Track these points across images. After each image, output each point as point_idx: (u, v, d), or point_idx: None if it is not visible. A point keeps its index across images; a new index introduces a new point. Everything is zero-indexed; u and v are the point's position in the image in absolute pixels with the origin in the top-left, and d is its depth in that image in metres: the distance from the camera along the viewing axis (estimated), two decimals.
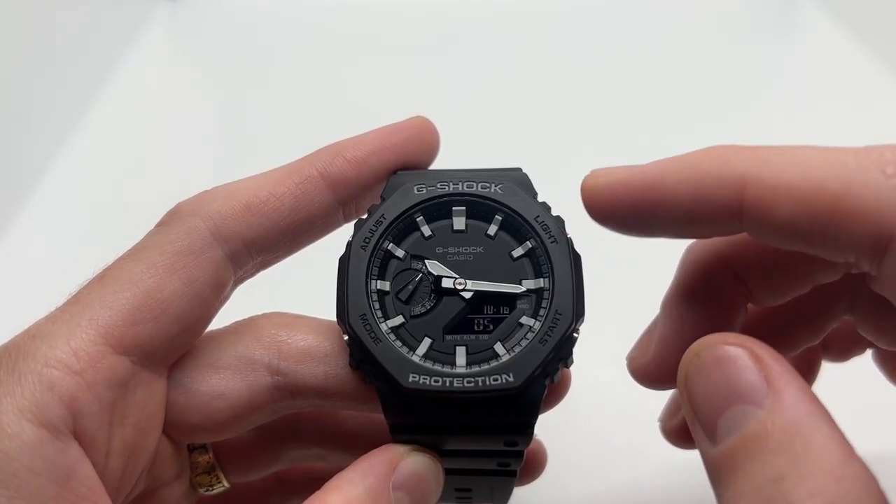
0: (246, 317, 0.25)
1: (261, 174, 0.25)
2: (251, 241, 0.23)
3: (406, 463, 0.22)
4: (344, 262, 0.23)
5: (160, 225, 0.23)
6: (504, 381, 0.21)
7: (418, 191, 0.23)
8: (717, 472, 0.16)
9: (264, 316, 0.25)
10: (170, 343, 0.22)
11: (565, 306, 0.22)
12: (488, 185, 0.23)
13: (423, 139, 0.25)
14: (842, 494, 0.14)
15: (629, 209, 0.21)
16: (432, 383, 0.21)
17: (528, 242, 0.23)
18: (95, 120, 0.60)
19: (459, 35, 0.71)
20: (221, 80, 0.67)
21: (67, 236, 0.50)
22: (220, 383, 0.23)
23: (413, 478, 0.22)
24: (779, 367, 0.17)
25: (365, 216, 0.24)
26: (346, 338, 0.22)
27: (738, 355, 0.17)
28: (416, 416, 0.22)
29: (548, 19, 0.73)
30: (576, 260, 0.23)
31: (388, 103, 0.61)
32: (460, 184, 0.23)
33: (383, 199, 0.24)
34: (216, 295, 0.23)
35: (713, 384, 0.17)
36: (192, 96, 0.65)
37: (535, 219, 0.23)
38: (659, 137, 0.54)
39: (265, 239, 0.23)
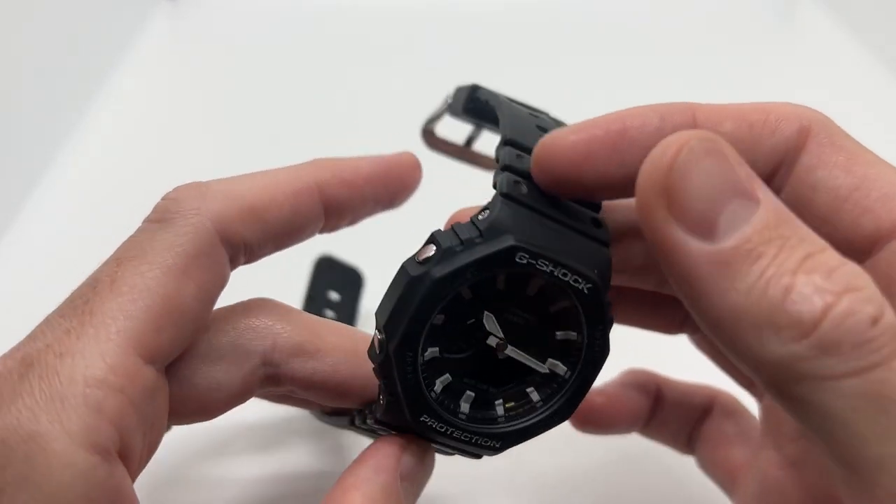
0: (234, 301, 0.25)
1: (260, 174, 0.25)
2: (249, 243, 0.23)
3: (408, 457, 0.23)
4: (417, 286, 0.21)
5: (162, 221, 0.22)
6: (492, 448, 0.23)
7: (519, 259, 0.21)
8: (728, 263, 0.16)
9: (258, 303, 0.24)
10: (183, 345, 0.22)
11: (569, 407, 0.22)
12: (580, 281, 0.21)
13: (410, 177, 0.27)
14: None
15: (600, 164, 0.21)
16: (437, 427, 0.22)
17: (576, 336, 0.22)
18: (96, 119, 0.60)
19: (462, 34, 0.71)
20: (222, 80, 0.67)
21: (68, 235, 0.50)
22: (217, 376, 0.23)
23: (415, 468, 0.23)
24: (748, 167, 0.18)
25: (457, 246, 0.21)
26: (379, 337, 0.21)
27: (728, 150, 0.17)
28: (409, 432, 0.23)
29: (545, 17, 0.73)
30: (602, 361, 0.22)
31: (390, 103, 0.61)
32: (557, 269, 0.21)
33: (481, 236, 0.21)
34: (219, 294, 0.23)
35: (713, 176, 0.17)
36: (192, 95, 0.65)
37: (598, 328, 0.22)
38: None
39: (261, 242, 0.24)
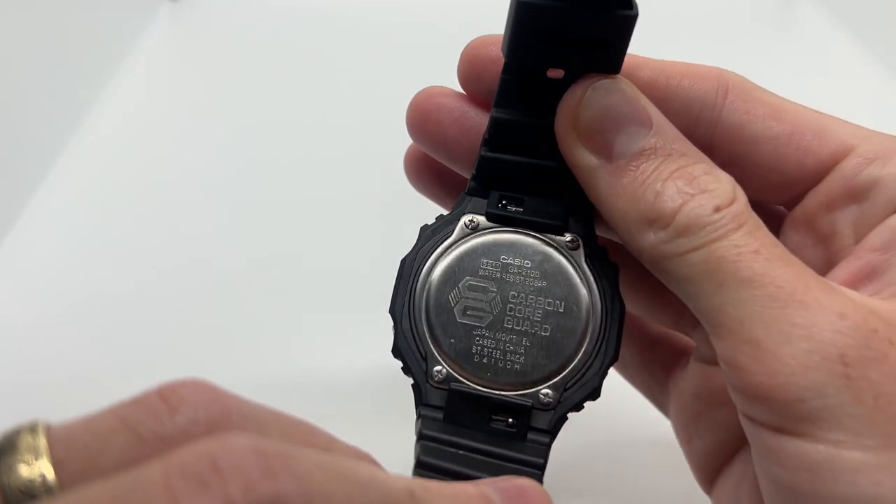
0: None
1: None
2: None
3: None
4: None
5: None
6: None
7: None
8: (619, 174, 0.21)
9: None
10: None
11: None
12: None
13: None
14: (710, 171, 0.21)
15: None
16: None
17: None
18: (97, 120, 0.61)
19: (466, 32, 0.71)
20: (224, 80, 0.67)
21: (70, 235, 0.50)
22: None
23: None
24: (646, 100, 0.21)
25: None
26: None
27: (626, 87, 0.21)
28: None
29: None
30: None
31: (394, 102, 0.61)
32: None
33: None
34: None
35: (612, 106, 0.21)
36: (194, 95, 0.65)
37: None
38: None
39: None
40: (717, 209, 0.20)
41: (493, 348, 0.22)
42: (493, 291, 0.22)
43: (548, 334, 0.22)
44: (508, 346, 0.22)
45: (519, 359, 0.22)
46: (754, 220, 0.20)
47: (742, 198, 0.20)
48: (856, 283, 0.21)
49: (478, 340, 0.22)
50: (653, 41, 0.72)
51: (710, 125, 0.23)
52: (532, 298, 0.22)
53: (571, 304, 0.22)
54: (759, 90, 0.24)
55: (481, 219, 0.23)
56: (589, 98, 0.21)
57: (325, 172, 0.55)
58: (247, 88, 0.65)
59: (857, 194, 0.22)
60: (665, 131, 0.21)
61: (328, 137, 0.58)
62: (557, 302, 0.22)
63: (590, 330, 0.22)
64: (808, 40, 0.69)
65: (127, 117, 0.62)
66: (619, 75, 0.21)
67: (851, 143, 0.22)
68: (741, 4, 0.74)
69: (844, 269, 0.21)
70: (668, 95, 0.23)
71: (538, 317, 0.22)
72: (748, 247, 0.19)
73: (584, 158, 0.21)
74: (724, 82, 0.24)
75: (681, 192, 0.20)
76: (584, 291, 0.22)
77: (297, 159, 0.56)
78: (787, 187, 0.24)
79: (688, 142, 0.21)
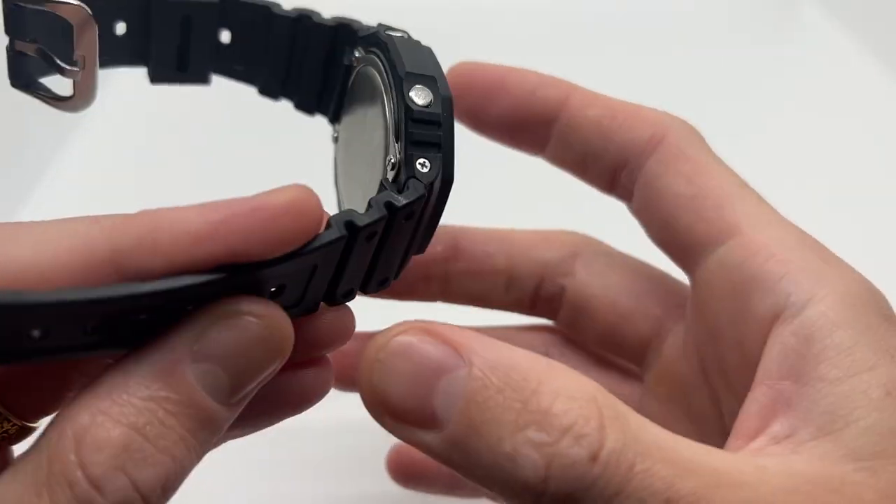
0: None
1: (39, 229, 0.16)
2: None
3: (217, 330, 0.15)
4: None
5: None
6: None
7: None
8: (461, 445, 0.16)
9: None
10: None
11: None
12: None
13: (289, 227, 0.15)
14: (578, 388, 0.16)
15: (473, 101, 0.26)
16: None
17: None
18: (96, 120, 0.61)
19: (471, 33, 0.71)
20: (223, 81, 0.67)
21: None
22: None
23: (227, 345, 0.15)
24: (451, 330, 0.17)
25: None
26: None
27: (413, 340, 0.16)
28: None
29: (544, 20, 0.73)
30: None
31: None
32: None
33: None
34: None
35: (409, 374, 0.16)
36: (194, 95, 0.65)
37: None
38: None
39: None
40: (594, 458, 0.15)
41: None
42: None
43: None
44: None
45: None
46: (631, 433, 0.16)
47: (608, 409, 0.16)
48: (768, 419, 0.18)
49: None
50: (654, 42, 0.72)
51: (635, 172, 0.23)
52: None
53: None
54: (696, 147, 0.23)
55: None
56: (379, 372, 0.17)
57: (329, 172, 0.55)
58: (246, 89, 0.65)
59: (736, 286, 0.20)
60: (485, 361, 0.16)
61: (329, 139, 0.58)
62: None
63: None
64: (812, 42, 0.69)
65: (125, 116, 0.61)
66: (398, 331, 0.17)
67: (738, 227, 0.21)
68: (743, 6, 0.74)
69: (753, 410, 0.18)
70: (609, 135, 0.23)
71: None
72: (655, 490, 0.15)
73: (412, 437, 0.16)
74: (662, 130, 0.23)
75: (537, 446, 0.15)
76: None
77: (299, 159, 0.56)
78: (681, 252, 0.23)
79: (517, 351, 0.17)
